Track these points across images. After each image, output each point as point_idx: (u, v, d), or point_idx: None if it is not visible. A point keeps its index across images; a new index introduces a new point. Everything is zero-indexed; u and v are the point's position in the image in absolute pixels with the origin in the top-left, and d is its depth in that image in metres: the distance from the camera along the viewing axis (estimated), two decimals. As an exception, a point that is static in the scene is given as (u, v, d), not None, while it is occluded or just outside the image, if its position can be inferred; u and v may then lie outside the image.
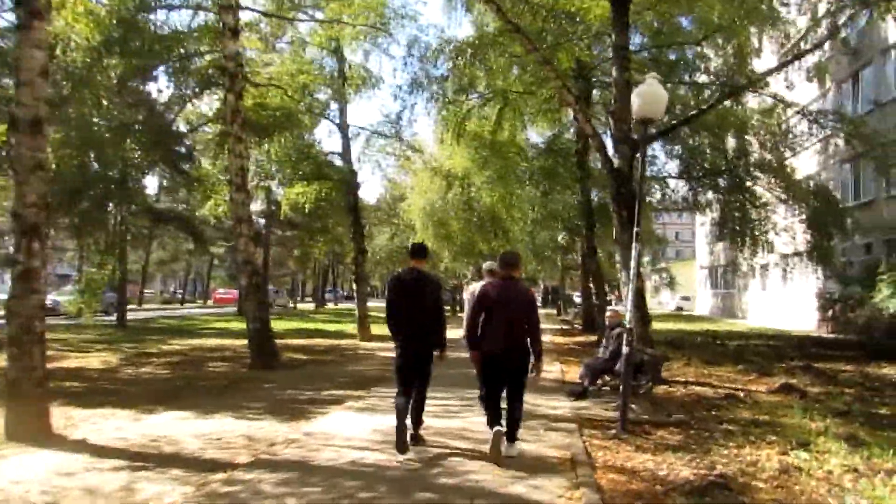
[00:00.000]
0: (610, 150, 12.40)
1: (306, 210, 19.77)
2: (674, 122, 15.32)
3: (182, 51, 13.47)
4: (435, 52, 16.65)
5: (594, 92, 20.56)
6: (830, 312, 15.42)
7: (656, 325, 25.06)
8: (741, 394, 9.77)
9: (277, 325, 25.46)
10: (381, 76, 18.94)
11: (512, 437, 5.82)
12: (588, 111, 11.71)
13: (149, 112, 17.68)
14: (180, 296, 57.90)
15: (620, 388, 8.33)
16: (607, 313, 9.37)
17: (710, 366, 13.13)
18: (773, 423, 7.52)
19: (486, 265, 7.55)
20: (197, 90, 14.56)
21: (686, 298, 47.82)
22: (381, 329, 22.54)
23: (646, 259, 48.04)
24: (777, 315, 28.55)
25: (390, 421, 6.14)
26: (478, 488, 4.90)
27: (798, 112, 17.52)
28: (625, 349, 6.92)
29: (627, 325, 7.03)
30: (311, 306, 50.39)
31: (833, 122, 16.89)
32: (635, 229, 7.01)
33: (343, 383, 10.48)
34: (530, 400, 8.82)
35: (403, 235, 36.21)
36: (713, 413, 8.17)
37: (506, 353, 5.73)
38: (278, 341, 17.98)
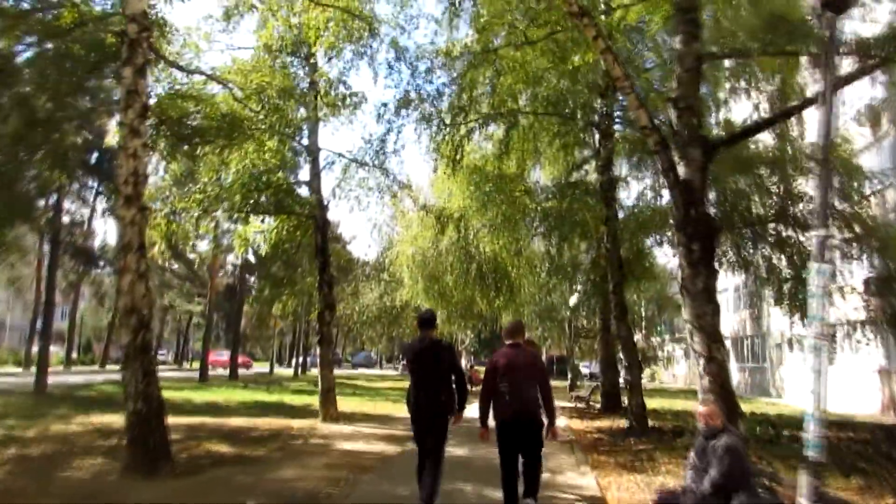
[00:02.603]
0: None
1: (263, 254, 15.92)
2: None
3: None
4: (430, 56, 13.36)
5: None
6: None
7: (679, 404, 20.69)
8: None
9: (233, 396, 21.17)
10: (364, 95, 14.87)
11: (532, 493, 5.86)
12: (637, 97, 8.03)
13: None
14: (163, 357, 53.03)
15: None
16: (700, 409, 5.37)
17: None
18: None
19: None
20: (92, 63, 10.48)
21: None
22: (354, 405, 18.25)
23: (661, 328, 43.44)
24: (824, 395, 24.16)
25: None
26: None
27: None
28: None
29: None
30: (290, 372, 45.25)
31: None
32: (821, 232, 3.10)
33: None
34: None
35: (394, 294, 32.19)
36: None
37: (516, 418, 5.75)
38: (215, 420, 13.90)
